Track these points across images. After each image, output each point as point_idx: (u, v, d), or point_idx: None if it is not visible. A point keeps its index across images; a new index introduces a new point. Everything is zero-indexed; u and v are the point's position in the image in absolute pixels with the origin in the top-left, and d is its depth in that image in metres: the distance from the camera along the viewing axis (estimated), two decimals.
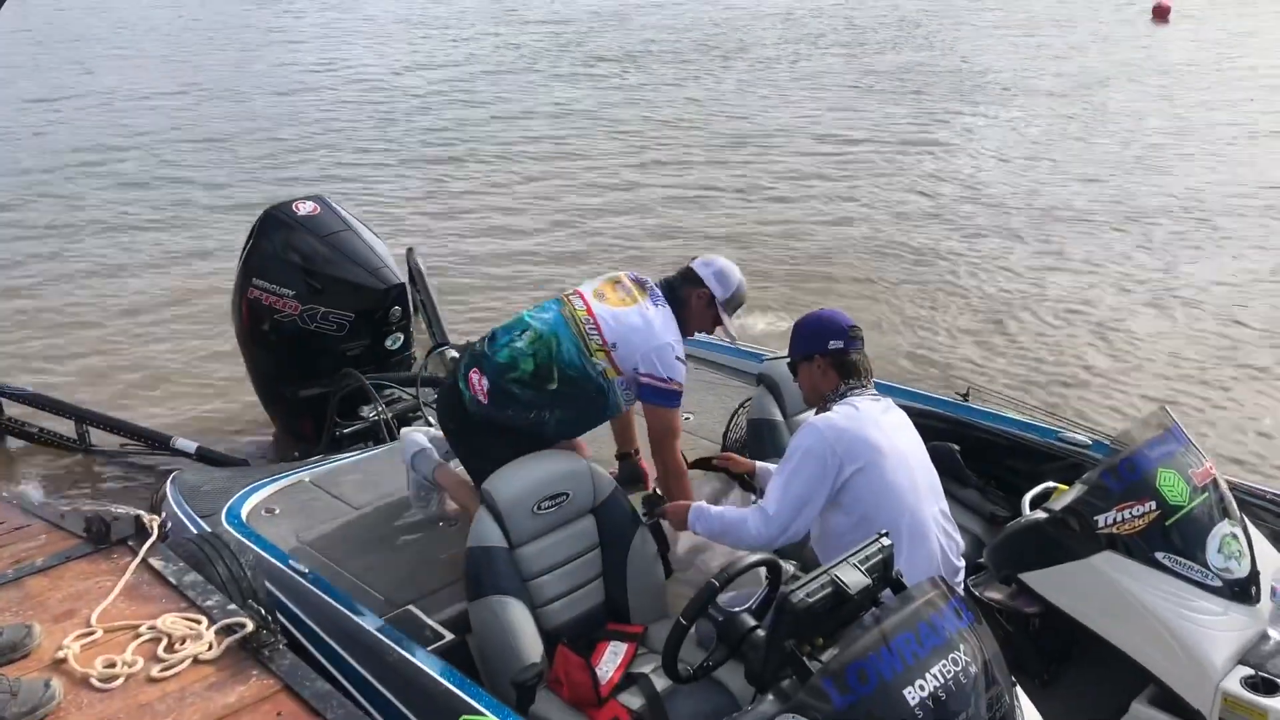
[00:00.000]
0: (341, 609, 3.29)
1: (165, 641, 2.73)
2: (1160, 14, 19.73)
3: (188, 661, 2.68)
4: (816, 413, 3.32)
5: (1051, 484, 3.64)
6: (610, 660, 3.28)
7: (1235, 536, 3.17)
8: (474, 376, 3.62)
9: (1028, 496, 3.57)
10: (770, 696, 2.51)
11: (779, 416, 4.00)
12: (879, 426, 3.19)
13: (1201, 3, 21.36)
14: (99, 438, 5.84)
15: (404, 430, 4.27)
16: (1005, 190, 10.66)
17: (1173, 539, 3.08)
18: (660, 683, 3.12)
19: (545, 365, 3.55)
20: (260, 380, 5.58)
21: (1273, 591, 3.11)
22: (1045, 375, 6.87)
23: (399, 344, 5.40)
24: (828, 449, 3.11)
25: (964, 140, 12.53)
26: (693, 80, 15.90)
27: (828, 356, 3.30)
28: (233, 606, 2.92)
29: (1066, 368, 6.99)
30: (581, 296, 3.65)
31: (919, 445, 3.30)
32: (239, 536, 3.61)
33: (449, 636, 3.33)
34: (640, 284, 3.71)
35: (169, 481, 4.25)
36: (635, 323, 3.58)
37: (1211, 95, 14.36)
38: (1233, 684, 2.95)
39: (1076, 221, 9.68)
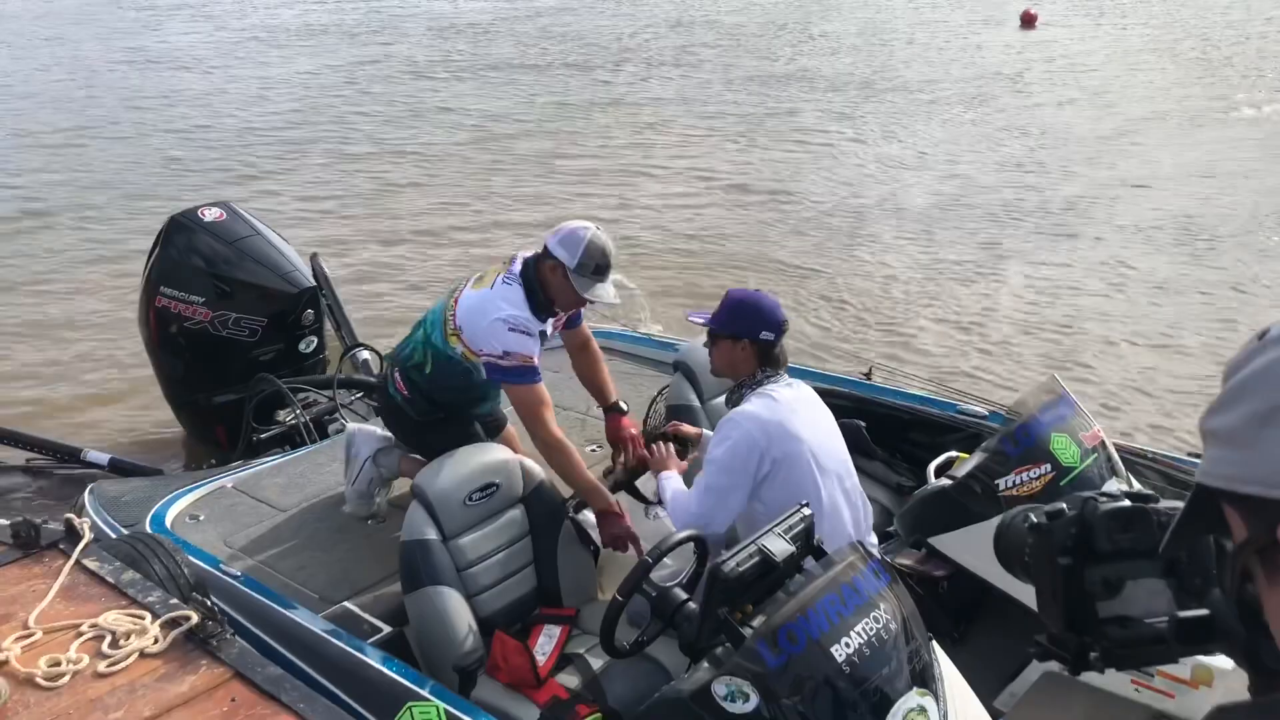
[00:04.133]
0: (278, 608, 3.34)
1: (109, 638, 2.72)
2: (1028, 21, 21.10)
3: (134, 656, 2.68)
4: (729, 397, 3.43)
5: (953, 453, 3.86)
6: (546, 643, 3.39)
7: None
8: (395, 374, 3.86)
9: (932, 465, 3.78)
10: (705, 664, 2.66)
11: (696, 402, 4.14)
12: (796, 414, 3.28)
13: (1065, 10, 22.76)
14: (3, 453, 5.69)
15: (353, 427, 4.26)
16: (887, 188, 11.09)
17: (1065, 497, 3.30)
18: (596, 661, 3.24)
19: (423, 352, 3.76)
20: (171, 389, 5.52)
21: None
22: (942, 352, 7.23)
23: (312, 347, 5.41)
24: (751, 442, 3.19)
25: (843, 141, 12.92)
26: (600, 84, 16.09)
27: (756, 344, 3.33)
28: (175, 601, 2.94)
29: (960, 344, 7.36)
30: (469, 282, 3.76)
31: (830, 423, 3.44)
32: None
33: (387, 629, 3.40)
34: (507, 260, 3.72)
35: (87, 492, 4.20)
36: (473, 304, 3.61)
37: (1073, 93, 15.20)
38: None
39: (957, 214, 10.15)
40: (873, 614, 2.64)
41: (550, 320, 3.75)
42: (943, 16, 22.76)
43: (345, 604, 3.52)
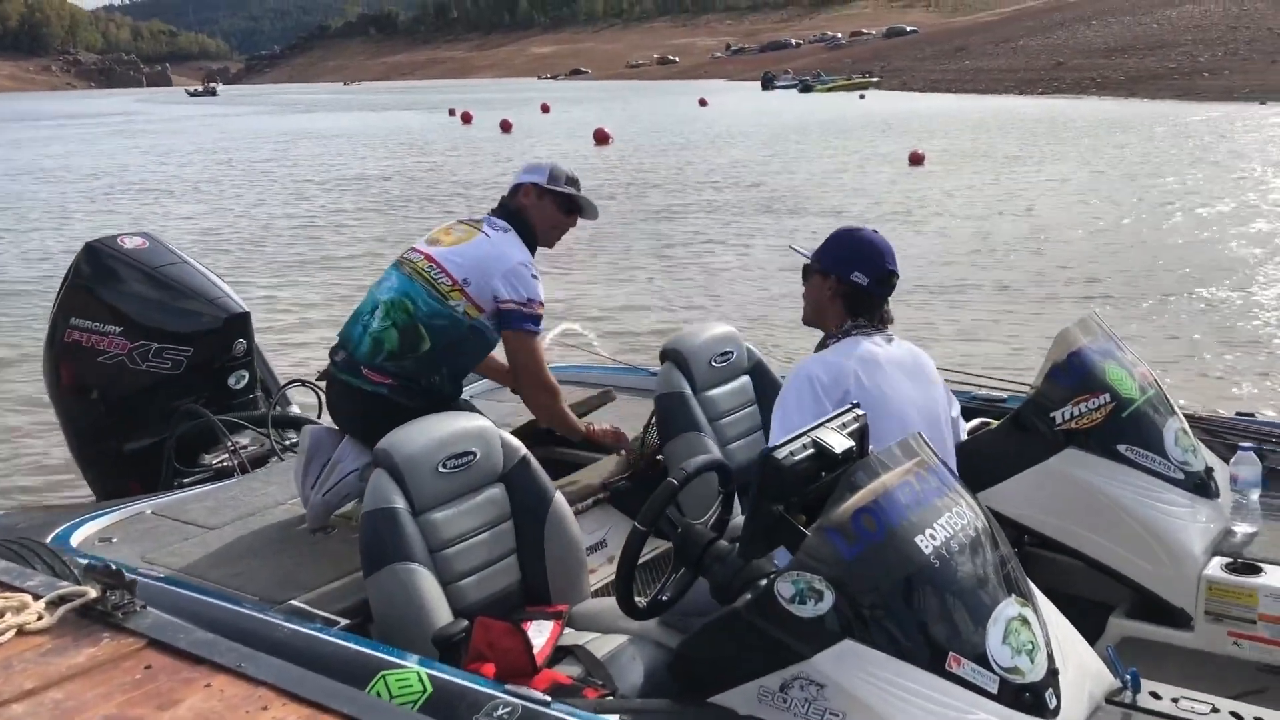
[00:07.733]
0: (215, 601, 2.74)
1: None
2: (916, 160, 23.29)
3: (10, 633, 2.08)
4: (817, 349, 2.98)
5: (982, 419, 3.44)
6: (537, 635, 2.84)
7: (1186, 432, 3.04)
8: (361, 373, 3.39)
9: (965, 428, 3.35)
10: (748, 596, 2.17)
11: (688, 389, 3.69)
12: (879, 368, 2.79)
13: (948, 152, 25.06)
14: None
15: (318, 428, 3.65)
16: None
17: (1130, 431, 2.91)
18: (598, 651, 2.71)
19: (410, 328, 3.34)
20: (77, 439, 4.78)
21: (1232, 480, 2.96)
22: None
23: (243, 383, 4.71)
24: (816, 382, 2.76)
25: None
26: None
27: (844, 284, 2.87)
28: (64, 583, 2.34)
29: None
30: (417, 250, 3.48)
31: (926, 393, 2.90)
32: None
33: (344, 622, 2.81)
34: (473, 221, 3.59)
35: None
36: (480, 252, 3.44)
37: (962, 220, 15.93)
38: (1214, 571, 2.76)
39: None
40: (954, 509, 2.19)
41: None
42: (841, 158, 24.89)
43: (293, 602, 2.92)
